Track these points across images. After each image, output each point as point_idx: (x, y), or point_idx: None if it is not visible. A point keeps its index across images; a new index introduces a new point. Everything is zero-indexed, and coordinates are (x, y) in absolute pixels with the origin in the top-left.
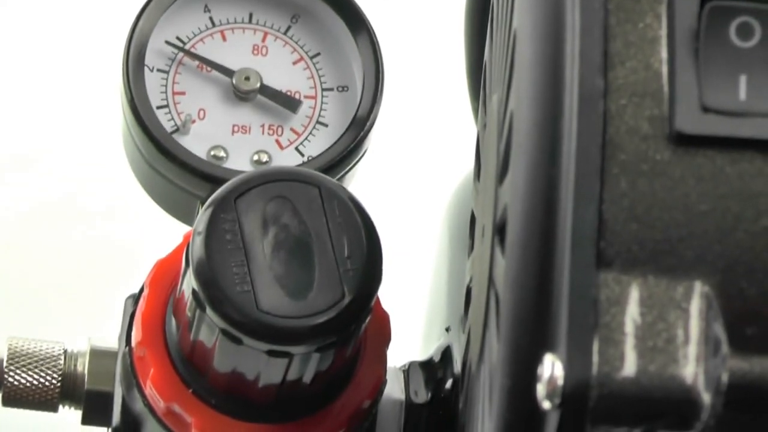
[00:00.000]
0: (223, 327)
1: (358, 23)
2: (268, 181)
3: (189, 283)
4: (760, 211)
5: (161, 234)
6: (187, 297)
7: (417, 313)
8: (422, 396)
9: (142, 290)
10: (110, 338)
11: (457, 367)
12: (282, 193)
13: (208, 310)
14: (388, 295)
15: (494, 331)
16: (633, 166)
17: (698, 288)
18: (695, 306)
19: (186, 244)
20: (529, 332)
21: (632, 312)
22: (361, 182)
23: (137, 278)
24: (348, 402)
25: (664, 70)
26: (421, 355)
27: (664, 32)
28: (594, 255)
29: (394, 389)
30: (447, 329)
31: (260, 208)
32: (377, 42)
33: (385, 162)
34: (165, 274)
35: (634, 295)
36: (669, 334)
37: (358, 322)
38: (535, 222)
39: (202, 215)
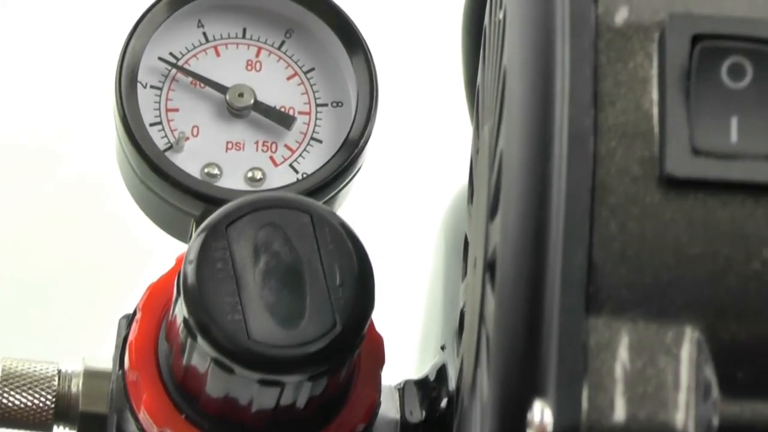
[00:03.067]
0: (214, 356)
1: (352, 38)
2: (259, 208)
3: (181, 311)
4: (751, 254)
5: (160, 244)
6: (179, 323)
7: (412, 329)
8: (417, 415)
9: (135, 313)
10: (111, 337)
11: (452, 386)
12: (273, 220)
13: (200, 339)
14: (382, 311)
15: (485, 369)
16: (623, 208)
17: (688, 332)
18: (685, 351)
19: (178, 267)
20: (519, 376)
21: (622, 357)
22: (356, 197)
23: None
24: (342, 425)
25: (655, 111)
26: (416, 373)
27: (655, 72)
28: (583, 300)
29: (389, 408)
30: (442, 347)
31: (251, 236)
32: (371, 56)
33: (381, 176)
34: (157, 298)
35: (624, 340)
36: (659, 380)
37: (350, 351)
38: (525, 265)
39: (194, 243)
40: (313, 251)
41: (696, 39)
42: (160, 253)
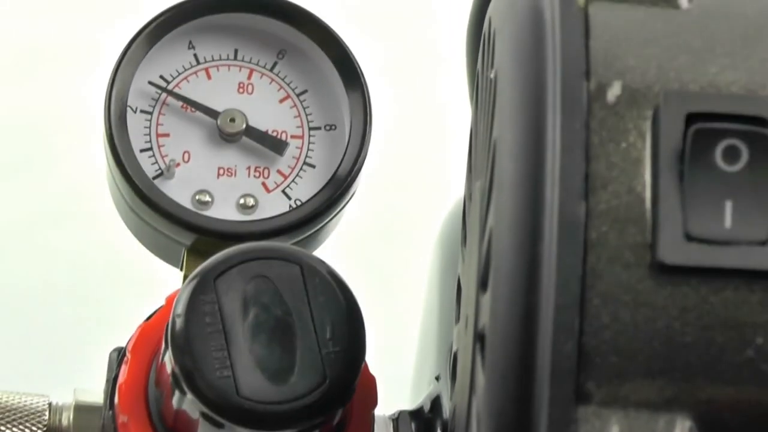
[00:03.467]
0: (203, 411)
1: (344, 59)
2: (248, 259)
3: (170, 362)
4: (745, 342)
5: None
6: (169, 372)
7: (406, 359)
8: None
9: (124, 354)
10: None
11: (447, 416)
12: (262, 272)
13: (188, 394)
14: (376, 340)
15: None
16: (614, 296)
17: (680, 421)
18: None
19: (169, 307)
20: None
21: None
22: (350, 219)
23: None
24: None
25: (648, 194)
26: (410, 404)
27: (648, 152)
28: (573, 390)
29: None
30: (437, 378)
31: (240, 288)
32: (364, 78)
33: (375, 188)
34: (148, 339)
35: (614, 429)
36: None
37: (340, 404)
38: (513, 355)
39: (182, 295)
40: (303, 303)
41: (690, 118)
42: (155, 268)
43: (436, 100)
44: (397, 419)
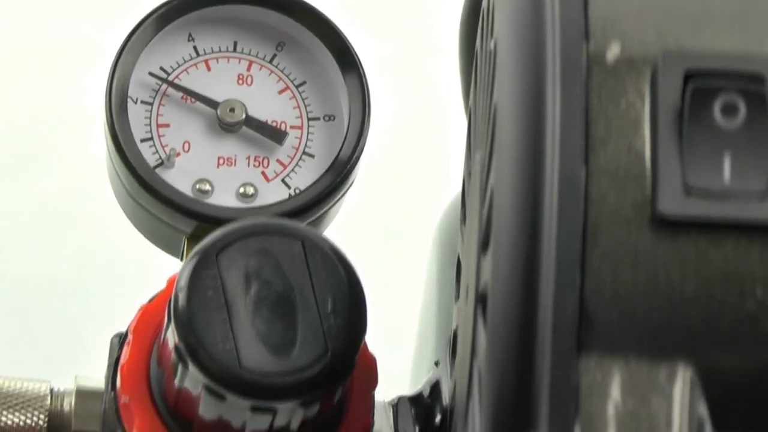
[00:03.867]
0: (206, 383)
1: (343, 50)
2: (250, 234)
3: (172, 337)
4: (745, 294)
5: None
6: (171, 348)
7: (406, 344)
8: None
9: (126, 335)
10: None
11: (446, 401)
12: (264, 247)
13: (191, 367)
14: (376, 325)
15: (477, 404)
16: (615, 252)
17: (681, 371)
18: (678, 390)
19: (170, 289)
20: (511, 418)
21: (614, 398)
22: (348, 209)
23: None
24: None
25: (647, 151)
26: (410, 389)
27: (647, 111)
28: (575, 342)
29: (382, 425)
30: (436, 363)
31: (242, 263)
32: (363, 69)
33: (375, 187)
34: (149, 320)
35: (615, 379)
36: (651, 421)
37: (342, 377)
38: (516, 309)
39: (184, 270)
40: (304, 278)
41: (688, 76)
42: (155, 260)
43: (435, 92)
44: (396, 405)
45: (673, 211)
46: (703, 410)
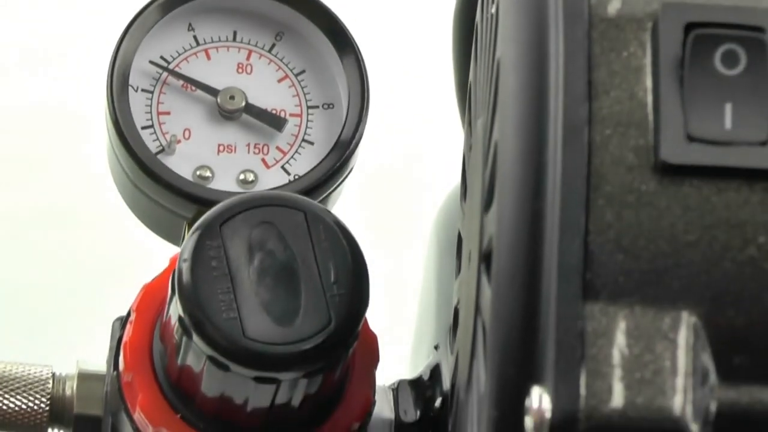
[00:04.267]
0: (209, 354)
1: (342, 39)
2: (254, 206)
3: (176, 310)
4: (747, 240)
5: (156, 243)
6: (174, 323)
7: (406, 329)
8: (411, 415)
9: (129, 315)
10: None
11: (447, 385)
12: (267, 218)
13: (195, 337)
14: (376, 312)
15: (482, 361)
16: (618, 197)
17: (685, 318)
18: (682, 336)
19: (172, 268)
20: (516, 364)
21: (619, 343)
22: (348, 197)
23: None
24: (337, 424)
25: (649, 99)
26: (410, 373)
27: (648, 60)
28: (580, 287)
29: (383, 408)
30: (436, 347)
31: (246, 234)
32: (362, 57)
33: (374, 176)
34: (152, 298)
35: (620, 326)
36: (656, 365)
37: (345, 347)
38: (521, 255)
39: (188, 242)
40: (307, 249)
41: (689, 27)
42: (155, 252)
43: (435, 81)
44: (396, 388)
45: (675, 158)
46: (707, 358)
